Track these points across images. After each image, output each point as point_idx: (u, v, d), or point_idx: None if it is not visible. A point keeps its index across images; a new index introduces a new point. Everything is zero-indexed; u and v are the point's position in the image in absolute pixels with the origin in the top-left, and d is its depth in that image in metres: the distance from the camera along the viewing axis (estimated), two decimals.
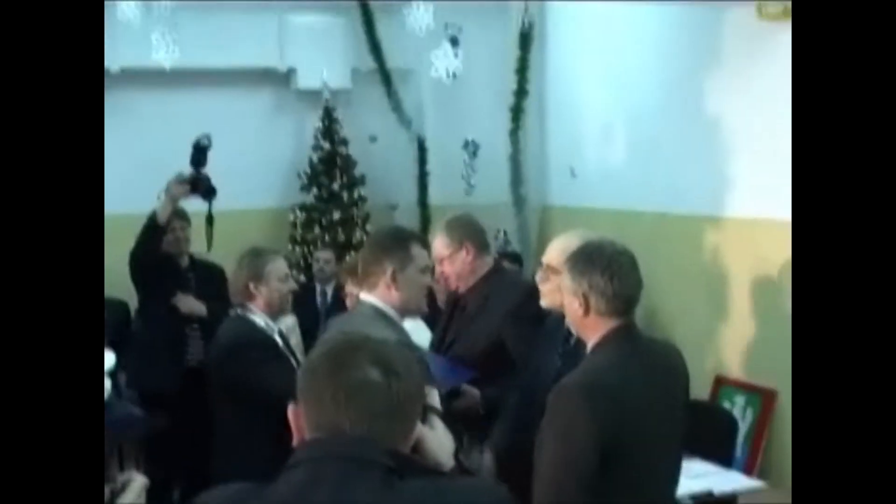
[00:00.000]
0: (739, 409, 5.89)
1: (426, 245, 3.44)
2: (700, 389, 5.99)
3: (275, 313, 4.15)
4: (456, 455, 1.92)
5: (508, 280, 4.35)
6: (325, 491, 1.66)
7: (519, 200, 7.84)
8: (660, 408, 2.75)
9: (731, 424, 5.13)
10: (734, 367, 6.03)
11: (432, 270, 3.62)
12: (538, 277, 3.55)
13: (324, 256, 6.98)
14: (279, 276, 4.13)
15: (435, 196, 7.88)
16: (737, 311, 6.01)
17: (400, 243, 3.30)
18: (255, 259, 4.16)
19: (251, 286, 4.07)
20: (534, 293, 3.80)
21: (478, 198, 7.60)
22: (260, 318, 4.07)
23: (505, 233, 7.78)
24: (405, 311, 3.30)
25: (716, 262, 6.17)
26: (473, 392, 3.88)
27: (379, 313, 3.22)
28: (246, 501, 1.70)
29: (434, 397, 1.96)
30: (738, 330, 5.98)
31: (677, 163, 6.45)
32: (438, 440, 1.89)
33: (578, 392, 2.64)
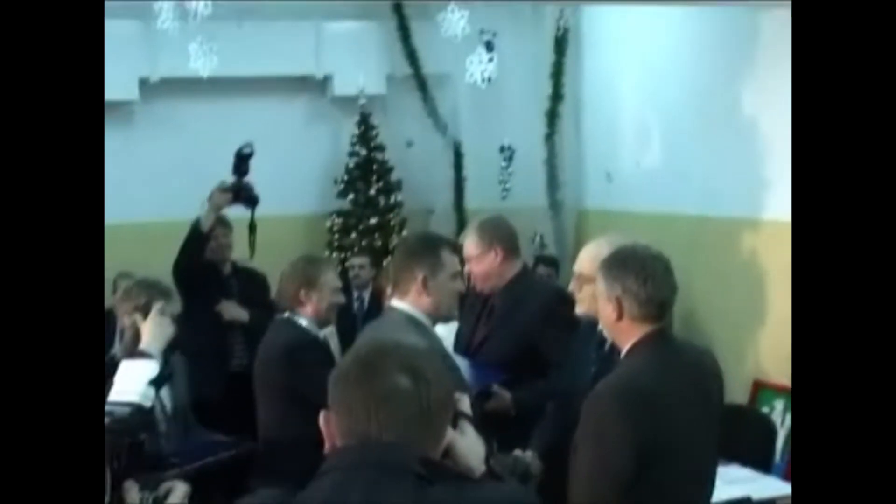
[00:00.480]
0: (779, 413, 5.84)
1: (457, 251, 3.46)
2: (738, 394, 5.94)
3: (321, 322, 4.16)
4: (487, 460, 1.90)
5: (538, 284, 4.37)
6: (356, 498, 1.66)
7: (555, 204, 7.83)
8: (694, 412, 2.73)
9: (770, 429, 5.08)
10: (773, 371, 5.97)
11: (464, 276, 3.61)
12: (571, 286, 3.55)
13: (358, 262, 7.00)
14: (332, 286, 4.14)
15: (471, 200, 7.87)
16: (775, 314, 5.96)
17: (430, 250, 3.31)
18: (309, 266, 4.17)
19: (302, 293, 4.07)
20: (566, 297, 3.79)
21: (514, 202, 7.59)
22: (307, 324, 4.09)
23: (541, 237, 7.77)
24: (437, 317, 3.31)
25: (754, 265, 6.13)
26: (504, 394, 3.88)
27: (410, 320, 3.23)
28: None
29: (465, 403, 1.95)
30: (777, 333, 5.92)
31: (714, 165, 6.41)
32: (469, 446, 1.88)
33: (613, 397, 2.64)
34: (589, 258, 3.34)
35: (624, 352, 2.80)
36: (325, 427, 1.79)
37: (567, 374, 3.70)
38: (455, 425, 1.89)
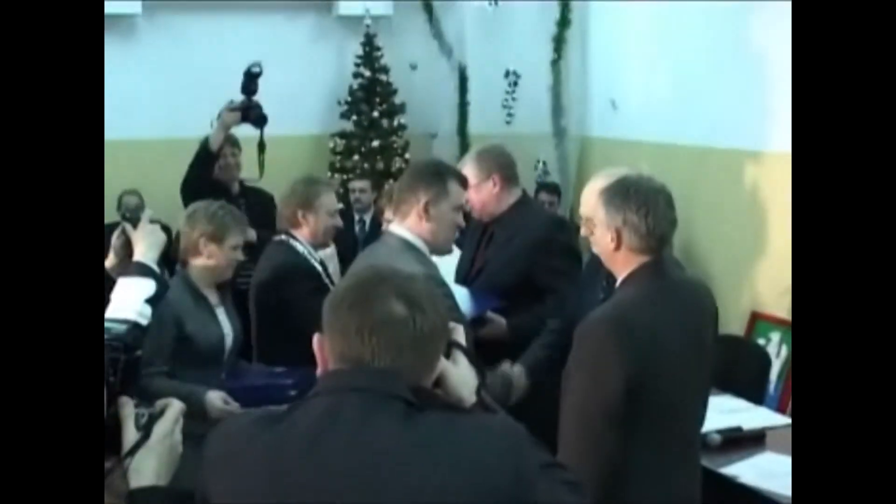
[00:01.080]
0: (774, 345, 5.87)
1: (465, 184, 3.43)
2: (735, 325, 5.98)
3: (318, 244, 4.18)
4: (478, 392, 1.91)
5: (537, 212, 4.35)
6: (344, 421, 1.67)
7: (559, 131, 7.78)
8: (687, 344, 2.73)
9: (764, 360, 5.11)
10: (771, 304, 5.99)
11: (464, 212, 3.60)
12: (582, 231, 3.54)
13: (359, 186, 6.97)
14: (329, 209, 4.15)
15: (475, 125, 7.83)
16: (775, 247, 5.96)
17: (438, 176, 3.30)
18: (308, 188, 4.17)
19: (299, 214, 4.10)
20: (564, 225, 3.79)
21: (518, 128, 7.56)
22: (302, 247, 4.09)
23: (544, 163, 7.74)
24: (433, 246, 3.30)
25: (756, 197, 6.11)
26: (500, 320, 3.90)
27: (407, 245, 3.23)
28: (266, 429, 1.71)
29: (459, 333, 1.96)
30: (776, 266, 5.93)
31: (719, 96, 6.36)
32: (461, 376, 1.88)
33: (606, 325, 2.64)
34: (591, 198, 3.30)
35: (619, 281, 2.81)
36: (319, 351, 1.80)
37: (570, 300, 3.71)
38: (448, 355, 1.90)
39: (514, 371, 3.68)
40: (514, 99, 7.70)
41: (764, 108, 5.97)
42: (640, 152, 6.75)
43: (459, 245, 4.21)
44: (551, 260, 3.93)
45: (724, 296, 6.08)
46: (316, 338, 1.80)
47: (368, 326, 1.72)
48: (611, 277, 3.26)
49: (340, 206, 4.31)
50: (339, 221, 4.25)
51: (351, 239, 6.64)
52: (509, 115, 7.70)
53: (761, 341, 5.87)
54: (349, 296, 1.76)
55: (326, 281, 4.11)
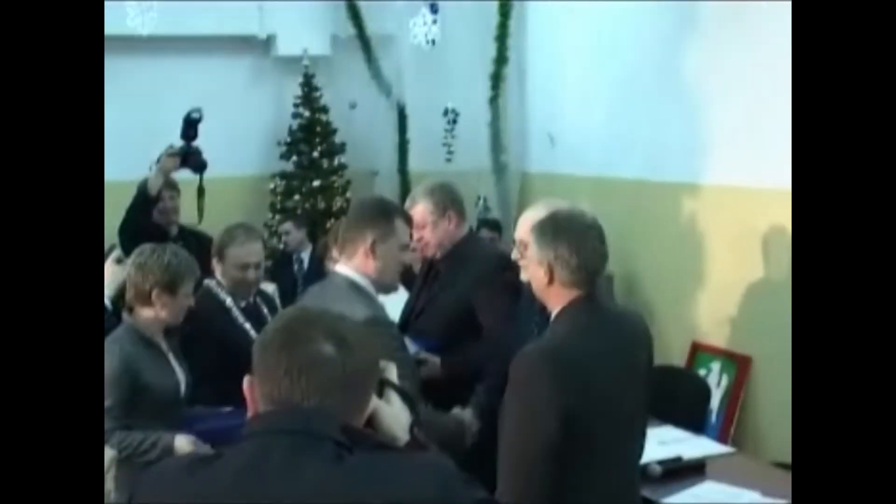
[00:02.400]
0: (715, 375, 5.94)
1: (410, 222, 3.44)
2: (676, 355, 6.05)
3: (233, 295, 4.08)
4: (411, 429, 1.93)
5: (481, 248, 4.38)
6: (275, 463, 1.67)
7: (499, 167, 7.84)
8: (622, 374, 2.77)
9: (704, 390, 5.17)
10: (711, 334, 6.07)
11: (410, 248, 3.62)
12: (514, 255, 3.58)
13: (283, 228, 7.05)
14: (236, 262, 4.04)
15: (415, 163, 7.89)
16: (714, 278, 6.05)
17: (385, 215, 3.31)
18: (223, 236, 4.10)
19: (214, 261, 4.05)
20: (506, 262, 3.82)
21: (458, 165, 7.61)
22: (223, 294, 4.04)
23: (485, 199, 7.81)
24: (379, 285, 3.30)
25: (694, 229, 6.21)
26: (433, 360, 3.90)
27: (353, 285, 3.23)
28: (195, 473, 1.71)
29: (392, 372, 1.98)
30: (715, 297, 6.02)
31: (656, 130, 6.46)
32: (394, 415, 1.90)
33: (540, 358, 2.67)
34: (527, 225, 3.36)
35: (553, 315, 2.84)
36: (249, 393, 1.80)
37: (510, 336, 3.73)
38: (381, 393, 1.91)
39: (466, 414, 3.71)
40: (453, 136, 7.76)
41: (700, 140, 6.07)
42: (579, 186, 6.84)
43: (408, 286, 4.22)
44: (491, 296, 3.96)
45: (665, 327, 6.17)
46: (246, 380, 1.81)
47: (297, 367, 1.72)
48: (544, 311, 3.31)
49: (256, 259, 4.15)
50: (252, 276, 4.08)
51: (290, 278, 6.66)
52: (449, 152, 7.76)
53: (702, 371, 5.94)
54: (278, 337, 1.77)
55: (243, 325, 4.05)
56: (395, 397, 1.93)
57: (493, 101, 7.72)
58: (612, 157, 6.86)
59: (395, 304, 3.97)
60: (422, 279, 4.24)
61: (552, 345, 2.73)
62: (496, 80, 7.69)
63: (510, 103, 7.82)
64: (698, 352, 6.12)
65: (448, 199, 4.09)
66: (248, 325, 4.02)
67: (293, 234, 6.95)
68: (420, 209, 4.02)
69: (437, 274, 4.15)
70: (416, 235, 3.87)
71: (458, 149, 7.77)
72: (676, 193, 6.30)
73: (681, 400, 4.81)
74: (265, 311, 4.19)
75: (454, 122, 7.78)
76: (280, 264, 6.98)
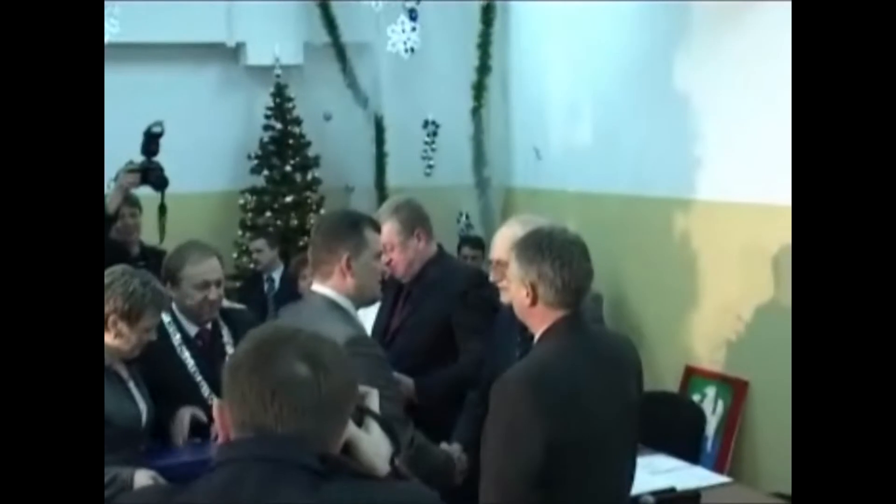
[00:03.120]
0: (710, 400, 5.94)
1: (378, 229, 3.46)
2: (669, 380, 6.05)
3: (191, 319, 3.97)
4: (392, 460, 1.92)
5: (454, 266, 4.40)
6: (248, 493, 1.66)
7: (482, 182, 7.87)
8: (610, 399, 2.77)
9: (699, 417, 5.17)
10: (705, 358, 6.07)
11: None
12: (492, 276, 3.59)
13: (255, 246, 7.03)
14: (194, 282, 3.91)
15: (393, 178, 7.89)
16: (708, 297, 6.06)
17: (354, 227, 3.31)
18: (173, 258, 3.97)
19: (168, 285, 3.90)
20: (483, 280, 3.82)
21: (438, 179, 7.63)
22: (172, 324, 3.91)
23: (467, 216, 7.82)
24: (360, 300, 3.33)
25: (685, 247, 6.22)
26: (406, 381, 3.90)
27: (332, 305, 3.24)
28: (168, 501, 1.70)
29: (373, 399, 1.97)
30: (710, 318, 6.02)
31: (645, 144, 6.49)
32: (374, 444, 1.89)
33: (522, 383, 2.67)
34: (503, 243, 3.39)
35: (536, 337, 2.85)
36: (219, 418, 1.79)
37: (489, 359, 3.73)
38: (360, 422, 1.90)
39: (455, 450, 3.69)
40: (433, 149, 7.77)
41: (691, 154, 6.09)
42: (565, 202, 6.86)
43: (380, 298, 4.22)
44: (468, 317, 3.97)
45: (657, 350, 6.17)
46: (216, 404, 1.80)
47: (270, 390, 1.71)
48: (526, 333, 3.30)
49: (216, 276, 4.04)
50: (213, 294, 3.94)
51: (260, 299, 6.63)
52: (429, 166, 7.77)
53: (696, 396, 5.94)
54: (249, 359, 1.76)
55: (182, 356, 3.91)
56: (375, 426, 1.92)
57: (476, 112, 7.75)
58: (600, 171, 6.88)
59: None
60: (391, 301, 4.23)
61: (535, 368, 2.73)
62: (479, 90, 7.72)
63: (493, 115, 7.86)
64: (692, 376, 6.12)
65: (415, 217, 4.11)
66: (187, 354, 3.93)
67: (265, 252, 6.93)
68: (386, 230, 3.99)
69: (409, 296, 4.16)
70: (384, 258, 3.86)
71: (438, 163, 7.78)
72: (668, 209, 6.32)
73: (674, 427, 4.81)
74: (225, 336, 4.07)
75: (434, 134, 7.79)
76: (249, 284, 6.96)
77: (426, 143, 7.80)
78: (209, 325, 4.03)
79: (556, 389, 2.66)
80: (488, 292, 4.05)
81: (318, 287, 3.31)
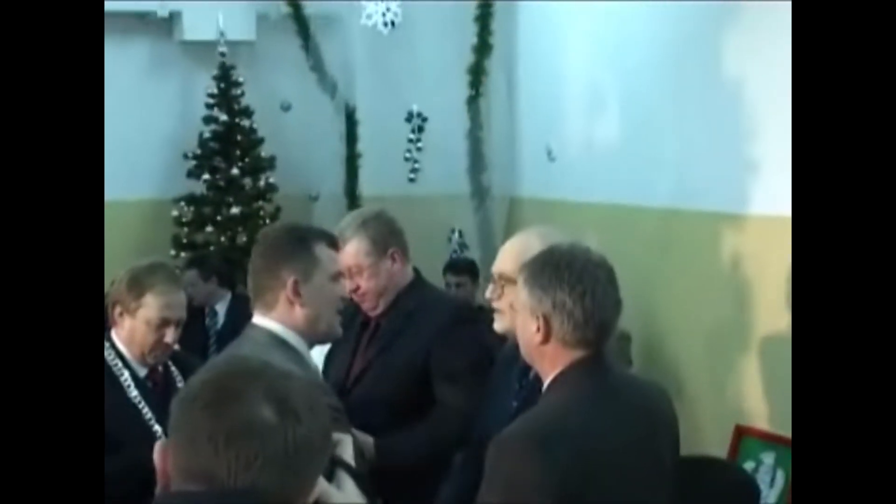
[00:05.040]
0: (767, 469, 5.96)
1: (335, 245, 3.45)
2: (715, 443, 6.05)
3: (136, 358, 4.01)
4: None
5: (436, 295, 4.37)
6: None
7: (480, 191, 7.88)
8: (636, 464, 2.78)
9: (751, 489, 5.18)
10: (760, 415, 6.09)
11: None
12: (489, 293, 3.60)
13: (187, 279, 6.93)
14: (147, 317, 3.96)
15: (368, 185, 7.92)
16: (764, 338, 6.07)
17: (301, 244, 3.31)
18: (133, 281, 4.02)
19: (116, 311, 3.98)
20: (472, 314, 3.82)
21: (425, 187, 7.66)
22: (113, 356, 3.96)
23: (460, 233, 7.85)
24: (313, 335, 3.33)
25: (736, 273, 6.24)
26: (366, 440, 3.86)
27: (276, 341, 3.25)
28: None
29: (346, 449, 2.02)
30: (767, 363, 6.04)
31: (687, 145, 6.49)
32: (346, 502, 1.94)
33: (528, 442, 2.66)
34: (513, 255, 3.38)
35: (547, 383, 2.85)
36: (160, 461, 1.82)
37: (480, 411, 3.73)
38: (331, 476, 1.94)
39: None
40: (419, 149, 7.82)
41: (744, 160, 6.11)
42: (584, 216, 6.85)
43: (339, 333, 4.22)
44: (450, 359, 3.97)
45: (699, 404, 6.19)
46: (158, 445, 1.83)
47: (225, 433, 1.74)
48: (526, 377, 3.31)
49: (179, 316, 4.08)
50: (169, 336, 3.99)
51: (201, 336, 6.65)
52: (413, 170, 7.81)
53: (749, 464, 5.96)
54: (205, 393, 1.79)
55: (139, 404, 3.97)
56: (348, 482, 1.96)
57: (472, 102, 7.78)
58: (630, 178, 6.89)
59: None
60: (355, 338, 4.23)
61: (543, 423, 2.73)
62: (476, 75, 7.74)
63: (495, 106, 7.88)
64: (744, 437, 6.14)
65: (388, 233, 4.11)
66: (136, 395, 3.99)
67: (199, 286, 6.93)
68: (352, 250, 4.02)
69: (377, 331, 4.17)
70: (350, 285, 3.88)
71: (425, 166, 7.82)
72: (714, 227, 6.35)
73: (720, 501, 4.84)
74: (179, 381, 4.12)
75: (420, 130, 7.83)
76: (188, 318, 6.96)
77: (410, 141, 7.85)
78: (160, 367, 4.09)
79: (570, 450, 2.65)
80: (478, 329, 4.06)
81: (260, 319, 3.31)
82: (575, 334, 2.78)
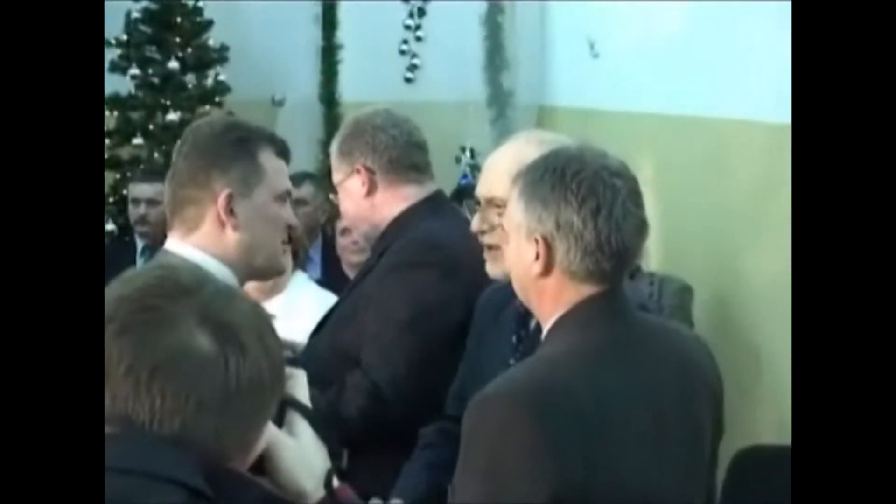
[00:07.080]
0: None
1: (286, 153, 3.41)
2: (771, 432, 6.05)
3: None
4: (328, 480, 1.98)
5: (423, 227, 4.37)
6: None
7: (499, 97, 7.91)
8: (664, 432, 2.75)
9: None
10: None
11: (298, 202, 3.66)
12: (474, 223, 3.59)
13: (143, 193, 6.90)
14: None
15: (350, 86, 7.95)
16: None
17: (241, 147, 3.27)
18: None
19: None
20: (419, 255, 3.85)
21: (426, 90, 7.69)
22: None
23: (472, 151, 7.84)
24: (248, 270, 3.31)
25: None
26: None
27: None
28: None
29: (299, 385, 2.02)
30: None
31: (772, 46, 6.49)
32: (302, 455, 1.94)
33: (515, 402, 2.65)
34: (505, 171, 3.36)
35: (548, 328, 2.83)
36: None
37: (472, 371, 3.73)
38: (281, 421, 1.95)
39: None
40: (418, 38, 7.86)
41: None
42: (635, 128, 6.84)
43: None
44: (378, 315, 4.00)
45: (787, 385, 6.18)
46: None
47: (149, 367, 1.77)
48: (525, 327, 3.30)
49: (114, 224, 4.20)
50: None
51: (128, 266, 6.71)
52: (411, 67, 7.84)
53: None
54: (122, 313, 1.81)
55: None
56: (305, 428, 1.97)
57: None
58: (693, 82, 6.90)
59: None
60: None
61: (538, 377, 2.72)
62: None
63: None
64: None
65: (362, 141, 4.13)
66: None
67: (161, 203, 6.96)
68: (333, 163, 4.17)
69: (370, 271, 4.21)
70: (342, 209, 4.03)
71: (427, 62, 7.87)
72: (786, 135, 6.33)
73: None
74: None
75: (421, 13, 7.84)
76: (115, 245, 6.95)
77: (408, 28, 7.89)
78: None
79: (572, 411, 2.63)
80: (425, 276, 4.04)
81: (176, 244, 3.28)
82: (584, 263, 2.75)
